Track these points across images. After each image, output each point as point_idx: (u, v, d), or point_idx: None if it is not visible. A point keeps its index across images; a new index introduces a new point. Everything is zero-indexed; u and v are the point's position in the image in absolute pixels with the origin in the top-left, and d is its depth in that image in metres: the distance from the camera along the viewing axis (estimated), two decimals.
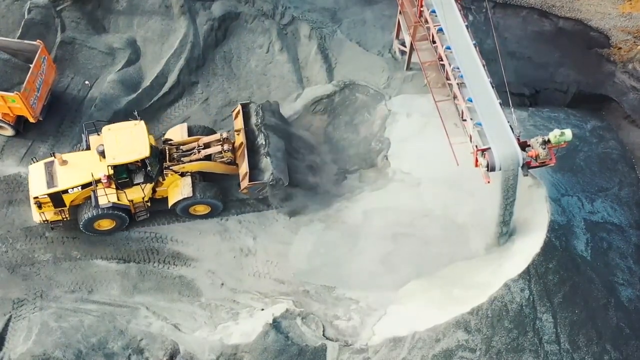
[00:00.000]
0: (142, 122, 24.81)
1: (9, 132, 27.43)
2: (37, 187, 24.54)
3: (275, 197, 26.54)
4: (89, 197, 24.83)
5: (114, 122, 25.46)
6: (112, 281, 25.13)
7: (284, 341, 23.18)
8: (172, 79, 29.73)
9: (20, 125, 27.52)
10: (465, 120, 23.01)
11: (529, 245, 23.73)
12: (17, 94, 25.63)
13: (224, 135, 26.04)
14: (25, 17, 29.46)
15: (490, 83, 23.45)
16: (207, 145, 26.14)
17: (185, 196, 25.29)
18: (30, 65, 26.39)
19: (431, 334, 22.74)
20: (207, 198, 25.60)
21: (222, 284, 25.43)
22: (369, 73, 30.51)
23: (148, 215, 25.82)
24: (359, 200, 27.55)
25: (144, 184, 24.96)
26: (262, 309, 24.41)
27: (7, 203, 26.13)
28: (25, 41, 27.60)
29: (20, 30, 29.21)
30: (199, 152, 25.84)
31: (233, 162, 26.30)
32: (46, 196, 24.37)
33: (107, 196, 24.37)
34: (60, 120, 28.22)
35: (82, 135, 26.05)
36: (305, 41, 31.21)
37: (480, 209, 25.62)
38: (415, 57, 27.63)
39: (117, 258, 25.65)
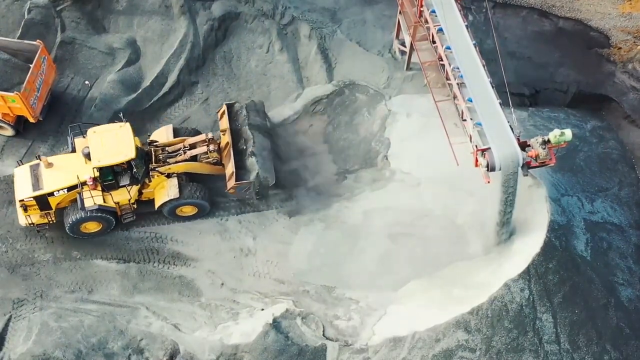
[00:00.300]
0: (128, 124, 24.74)
1: (9, 132, 27.43)
2: (23, 190, 24.48)
3: (261, 197, 26.56)
4: (75, 200, 24.71)
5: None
6: (112, 281, 25.13)
7: (284, 341, 23.19)
8: (172, 79, 29.73)
9: (20, 125, 27.52)
10: (465, 120, 23.01)
11: (529, 245, 23.74)
12: (17, 94, 25.63)
13: (209, 135, 25.98)
14: (25, 17, 29.46)
15: (490, 83, 23.44)
16: (192, 146, 26.02)
17: (172, 197, 25.23)
18: (30, 65, 26.38)
19: (431, 334, 22.75)
20: (193, 199, 25.53)
21: (222, 284, 25.43)
22: (368, 73, 30.52)
23: (134, 217, 25.75)
24: (359, 200, 27.55)
25: (130, 186, 24.90)
26: (262, 309, 24.41)
27: (7, 203, 26.11)
28: (25, 41, 27.60)
29: (20, 30, 29.21)
30: (184, 153, 25.74)
31: (219, 163, 26.25)
32: (32, 199, 24.29)
33: (92, 198, 24.25)
34: (60, 120, 28.21)
35: (68, 137, 25.94)
36: (305, 41, 31.21)
37: (480, 209, 25.63)
38: (415, 57, 27.63)
39: (117, 258, 25.64)
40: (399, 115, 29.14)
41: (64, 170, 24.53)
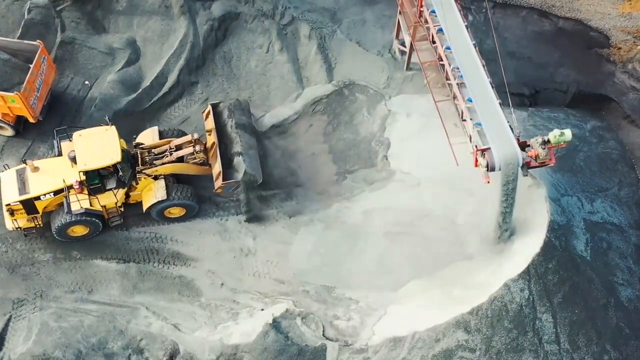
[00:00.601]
0: (113, 127, 24.69)
1: (9, 132, 27.43)
2: (9, 194, 24.42)
3: (249, 196, 26.54)
4: (62, 204, 24.67)
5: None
6: (112, 281, 25.13)
7: (283, 341, 23.19)
8: (172, 79, 29.72)
9: (20, 126, 27.52)
10: (465, 120, 23.02)
11: (528, 245, 23.75)
12: (17, 94, 25.63)
13: (195, 136, 25.93)
14: (25, 17, 29.45)
15: (490, 83, 23.45)
16: (178, 147, 25.96)
17: (159, 199, 25.20)
18: (30, 66, 26.37)
19: (431, 334, 22.75)
20: (181, 200, 25.50)
21: (222, 284, 25.43)
22: (368, 73, 30.52)
23: (122, 220, 25.71)
24: (359, 200, 27.55)
25: (117, 189, 24.87)
26: (262, 309, 24.41)
27: None
28: (25, 41, 27.59)
29: (20, 30, 29.20)
30: (170, 154, 25.68)
31: (206, 163, 26.21)
32: (18, 203, 24.25)
33: (79, 202, 24.22)
34: (60, 120, 28.18)
35: (54, 141, 25.90)
36: (305, 41, 31.21)
37: (480, 209, 25.64)
38: (415, 57, 27.63)
39: (117, 258, 25.64)
40: (398, 115, 29.15)
41: (50, 174, 24.47)
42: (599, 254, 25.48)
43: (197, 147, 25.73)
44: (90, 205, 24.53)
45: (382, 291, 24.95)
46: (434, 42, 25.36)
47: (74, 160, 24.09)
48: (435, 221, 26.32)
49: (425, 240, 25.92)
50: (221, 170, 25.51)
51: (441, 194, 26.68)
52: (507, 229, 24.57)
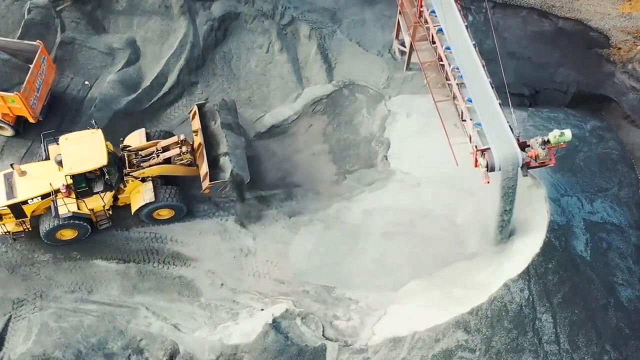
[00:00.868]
0: (100, 130, 24.62)
1: (9, 132, 27.43)
2: None
3: (237, 196, 26.55)
4: (50, 207, 24.63)
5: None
6: (111, 281, 25.13)
7: (283, 341, 23.19)
8: (171, 79, 29.72)
9: (20, 126, 27.52)
10: (464, 120, 23.02)
11: (528, 246, 23.75)
12: (16, 94, 25.63)
13: (182, 137, 25.84)
14: (25, 17, 29.45)
15: (490, 83, 23.45)
16: (165, 149, 25.88)
17: (148, 201, 25.14)
18: (30, 66, 26.37)
19: (431, 334, 22.75)
20: (169, 201, 25.45)
21: (222, 284, 25.43)
22: (368, 73, 30.53)
23: (110, 223, 25.68)
24: (359, 200, 27.56)
25: (104, 192, 24.81)
26: (262, 309, 24.41)
27: None
28: (25, 41, 27.58)
29: (20, 31, 29.18)
30: (157, 156, 25.62)
31: (193, 164, 26.16)
32: (6, 207, 24.18)
33: (66, 206, 24.15)
34: (60, 120, 28.20)
35: (41, 145, 25.82)
36: (305, 41, 31.22)
37: (480, 209, 25.65)
38: (415, 57, 27.63)
39: (116, 258, 25.64)
40: (398, 115, 29.16)
41: (37, 178, 24.39)
42: (598, 254, 25.48)
43: (184, 148, 25.65)
44: (78, 209, 24.46)
45: (382, 291, 24.96)
46: (433, 42, 25.36)
47: (60, 164, 24.02)
48: (435, 221, 26.33)
49: (425, 240, 25.93)
50: (208, 170, 25.47)
51: (441, 194, 26.69)
52: (506, 229, 24.58)
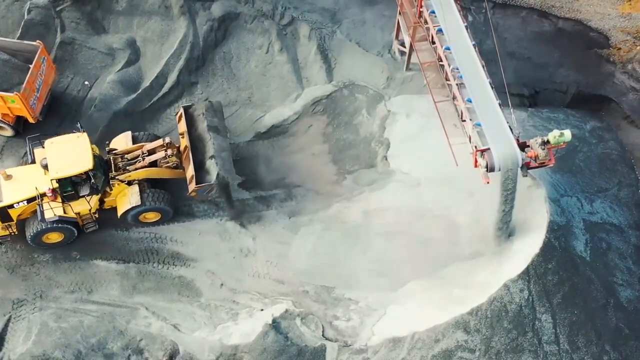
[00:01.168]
0: (85, 134, 24.57)
1: (9, 132, 27.43)
2: None
3: (225, 200, 26.48)
4: (36, 211, 24.54)
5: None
6: (111, 281, 25.12)
7: (283, 341, 23.20)
8: (171, 79, 29.72)
9: (20, 126, 27.51)
10: (464, 120, 23.02)
11: (528, 246, 23.76)
12: (16, 94, 25.63)
13: (167, 140, 25.76)
14: (25, 17, 29.45)
15: (490, 83, 23.45)
16: (151, 152, 25.81)
17: (134, 205, 25.07)
18: (30, 66, 26.36)
19: (430, 334, 22.76)
20: (155, 205, 25.39)
21: (222, 285, 25.43)
22: (368, 73, 30.54)
23: (97, 226, 25.63)
24: (359, 200, 27.57)
25: (90, 196, 24.74)
26: (262, 310, 24.42)
27: None
28: (25, 41, 27.57)
29: (20, 31, 29.18)
30: (143, 159, 25.57)
31: (179, 166, 26.06)
32: None
33: (52, 210, 24.11)
34: (59, 120, 28.20)
35: (27, 149, 25.76)
36: (304, 42, 31.22)
37: (480, 210, 25.65)
38: (415, 57, 27.63)
39: (116, 258, 25.64)
40: (398, 115, 29.17)
41: (23, 182, 24.32)
42: (598, 254, 25.48)
43: (169, 151, 25.58)
44: (64, 213, 24.39)
45: (382, 291, 24.96)
46: (433, 43, 25.37)
47: (46, 167, 23.97)
48: (435, 221, 26.33)
49: (425, 240, 25.94)
50: (194, 173, 25.38)
51: (441, 195, 26.69)
52: (506, 229, 24.59)
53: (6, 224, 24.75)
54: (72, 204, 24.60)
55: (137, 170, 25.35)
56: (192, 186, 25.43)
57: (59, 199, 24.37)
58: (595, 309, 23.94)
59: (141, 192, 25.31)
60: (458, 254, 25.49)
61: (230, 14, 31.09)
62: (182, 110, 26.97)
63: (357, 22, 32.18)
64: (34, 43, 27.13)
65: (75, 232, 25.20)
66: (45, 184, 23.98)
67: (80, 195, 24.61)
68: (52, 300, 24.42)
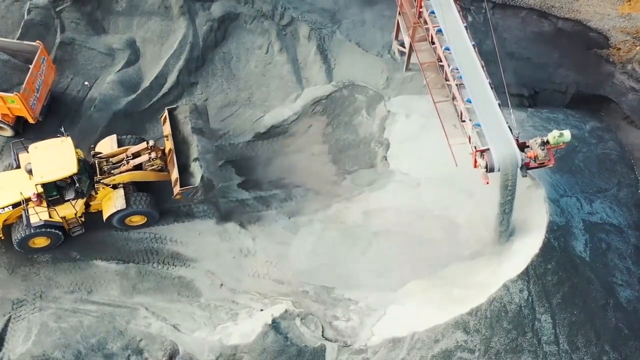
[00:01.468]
0: (69, 138, 24.50)
1: (9, 132, 27.43)
2: None
3: (211, 203, 26.46)
4: (22, 216, 24.45)
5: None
6: (111, 282, 25.13)
7: (283, 342, 23.21)
8: (171, 79, 29.72)
9: (20, 126, 27.51)
10: (464, 121, 23.04)
11: (528, 246, 23.77)
12: (16, 94, 25.62)
13: (151, 143, 25.56)
14: (25, 17, 29.44)
15: (490, 84, 23.47)
16: (136, 155, 25.68)
17: (119, 208, 24.99)
18: (30, 66, 26.35)
19: (430, 334, 22.77)
20: (140, 208, 25.33)
21: (222, 285, 25.44)
22: (368, 74, 30.54)
23: (83, 230, 25.54)
24: (359, 200, 27.58)
25: (75, 200, 24.66)
26: (262, 310, 24.43)
27: None
28: (25, 42, 27.56)
29: (19, 31, 29.17)
30: (128, 162, 25.44)
31: (164, 169, 25.96)
32: None
33: (37, 214, 24.04)
34: (59, 121, 28.18)
35: (12, 153, 25.72)
36: (304, 42, 31.23)
37: (480, 210, 25.66)
38: (415, 58, 27.65)
39: (116, 259, 25.64)
40: (398, 116, 29.18)
41: (8, 187, 24.27)
42: (598, 254, 25.50)
43: (154, 154, 25.45)
44: (50, 217, 24.30)
45: (382, 291, 24.97)
46: (433, 43, 25.38)
47: (30, 172, 23.91)
48: (435, 222, 26.35)
49: (425, 240, 25.95)
50: (178, 176, 25.28)
51: (440, 195, 26.71)
52: (506, 230, 24.59)
53: None
54: (58, 208, 24.49)
55: (122, 174, 25.20)
56: (176, 189, 25.29)
57: (44, 204, 24.27)
58: (595, 309, 23.96)
59: (126, 195, 25.24)
60: (458, 254, 25.50)
61: (230, 14, 31.09)
62: (166, 113, 26.83)
63: (356, 23, 32.19)
64: (33, 43, 27.12)
65: (62, 236, 25.09)
66: (30, 188, 23.90)
67: (66, 199, 24.49)
68: (52, 300, 24.42)
